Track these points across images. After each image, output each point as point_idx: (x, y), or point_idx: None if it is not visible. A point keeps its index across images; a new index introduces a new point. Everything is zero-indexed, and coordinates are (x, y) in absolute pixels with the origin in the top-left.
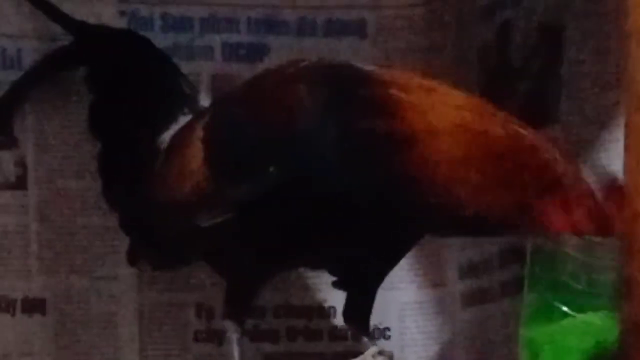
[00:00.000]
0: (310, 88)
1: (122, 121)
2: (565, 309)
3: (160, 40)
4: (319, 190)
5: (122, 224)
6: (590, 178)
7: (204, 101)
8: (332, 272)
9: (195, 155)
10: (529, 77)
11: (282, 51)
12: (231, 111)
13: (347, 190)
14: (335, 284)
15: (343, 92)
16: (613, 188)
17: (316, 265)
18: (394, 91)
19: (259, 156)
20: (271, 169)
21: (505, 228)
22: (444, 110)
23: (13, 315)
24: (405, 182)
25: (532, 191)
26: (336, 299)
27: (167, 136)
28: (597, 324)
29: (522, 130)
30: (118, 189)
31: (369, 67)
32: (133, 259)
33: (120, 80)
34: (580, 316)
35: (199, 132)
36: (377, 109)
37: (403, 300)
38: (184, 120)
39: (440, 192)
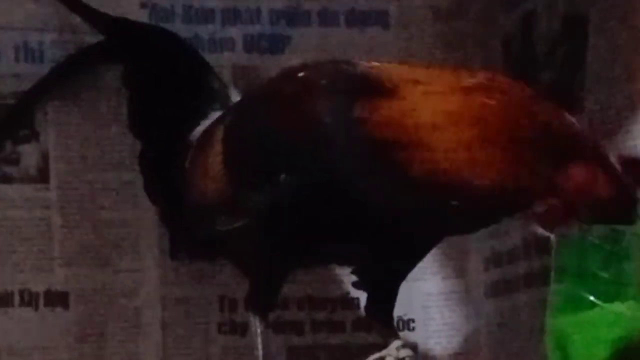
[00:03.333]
0: (324, 94)
1: (158, 118)
2: (592, 298)
3: (182, 32)
4: (337, 192)
5: (162, 218)
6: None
7: (235, 96)
8: (352, 270)
9: (216, 156)
10: (553, 66)
11: (304, 42)
12: (249, 115)
13: (364, 192)
14: (355, 285)
15: (353, 96)
16: (635, 164)
17: (339, 263)
18: (400, 90)
19: (275, 162)
20: (286, 175)
21: (524, 201)
22: (447, 99)
23: (36, 309)
24: (417, 181)
25: (548, 160)
26: (359, 291)
27: (197, 132)
28: (625, 314)
29: (536, 102)
30: (157, 184)
31: (378, 66)
32: (174, 251)
33: (154, 77)
34: (608, 306)
35: (220, 133)
36: (384, 111)
37: (427, 291)
38: (214, 116)
39: (453, 182)
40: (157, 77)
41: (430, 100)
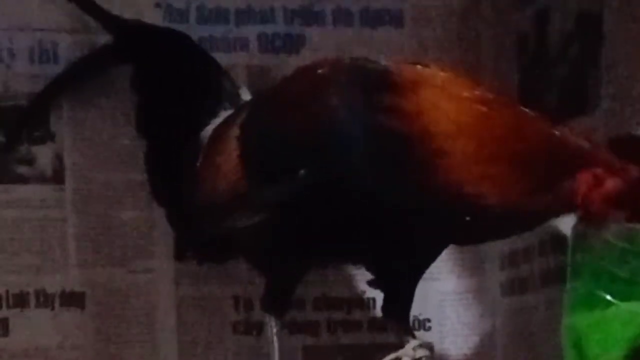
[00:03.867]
0: (341, 91)
1: (167, 119)
2: (609, 297)
3: (196, 32)
4: (352, 190)
5: (169, 219)
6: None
7: (245, 95)
8: (369, 270)
9: (231, 154)
10: (566, 64)
11: (318, 42)
12: (265, 112)
13: (378, 190)
14: (370, 283)
15: (371, 93)
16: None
17: (354, 262)
18: (417, 90)
19: (292, 158)
20: (302, 171)
21: (540, 217)
22: (463, 107)
23: (52, 309)
24: (431, 182)
25: (559, 174)
26: (375, 291)
27: (208, 132)
28: None
29: (543, 121)
30: (165, 185)
31: (395, 65)
32: (179, 253)
33: (163, 79)
34: (625, 305)
35: (236, 130)
36: (401, 110)
37: (443, 290)
38: (224, 115)
39: (466, 190)
40: (166, 77)
41: (446, 106)
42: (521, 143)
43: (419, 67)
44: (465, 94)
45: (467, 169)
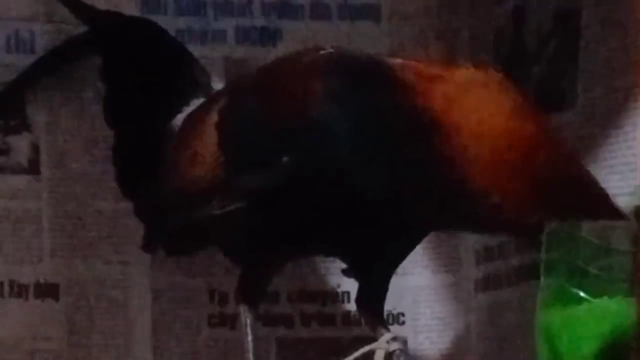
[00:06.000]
0: (326, 78)
1: (134, 110)
2: (581, 294)
3: (174, 24)
4: (332, 179)
5: (136, 211)
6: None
7: (217, 85)
8: (344, 260)
9: (209, 141)
10: (544, 61)
11: (295, 35)
12: (246, 99)
13: (360, 180)
14: (345, 272)
15: (357, 82)
16: None
17: (329, 253)
18: (410, 79)
19: (273, 146)
20: (285, 159)
21: (538, 230)
22: (465, 102)
23: (26, 300)
24: (423, 176)
25: (573, 204)
26: (350, 284)
27: (178, 120)
28: (613, 309)
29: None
30: (132, 176)
31: (382, 56)
32: (147, 244)
33: (133, 70)
34: (597, 301)
35: (214, 117)
36: (395, 100)
37: (417, 285)
38: (196, 103)
39: (466, 189)
40: (136, 67)
41: (458, 100)
42: (539, 156)
43: (408, 59)
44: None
45: (477, 166)
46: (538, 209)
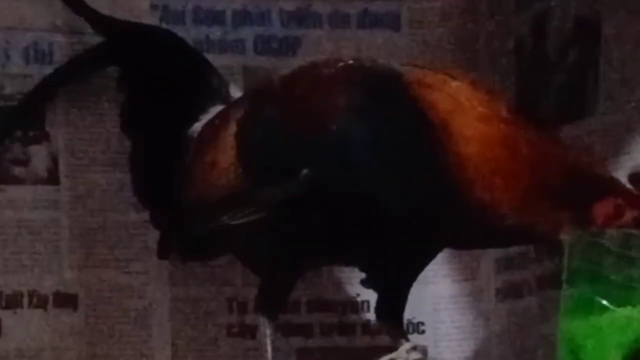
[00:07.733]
0: (346, 90)
1: (152, 119)
2: (605, 302)
3: (192, 33)
4: (351, 191)
5: (152, 219)
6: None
7: (235, 92)
8: (363, 270)
9: (227, 150)
10: (565, 68)
11: (314, 44)
12: (266, 111)
13: (379, 191)
14: (363, 282)
15: (377, 95)
16: None
17: (349, 263)
18: (427, 93)
19: (293, 157)
20: (305, 170)
21: (549, 235)
22: (475, 115)
23: (45, 310)
24: (438, 187)
25: (577, 199)
26: (369, 293)
27: (196, 128)
28: (637, 318)
29: (562, 145)
30: (149, 185)
31: (403, 67)
32: (163, 252)
33: (151, 79)
34: (620, 310)
35: (233, 127)
36: (410, 111)
37: (437, 294)
38: (214, 111)
39: (473, 200)
40: (154, 76)
41: (464, 112)
42: (540, 162)
43: (428, 71)
44: (481, 107)
45: (482, 176)
46: (548, 213)
